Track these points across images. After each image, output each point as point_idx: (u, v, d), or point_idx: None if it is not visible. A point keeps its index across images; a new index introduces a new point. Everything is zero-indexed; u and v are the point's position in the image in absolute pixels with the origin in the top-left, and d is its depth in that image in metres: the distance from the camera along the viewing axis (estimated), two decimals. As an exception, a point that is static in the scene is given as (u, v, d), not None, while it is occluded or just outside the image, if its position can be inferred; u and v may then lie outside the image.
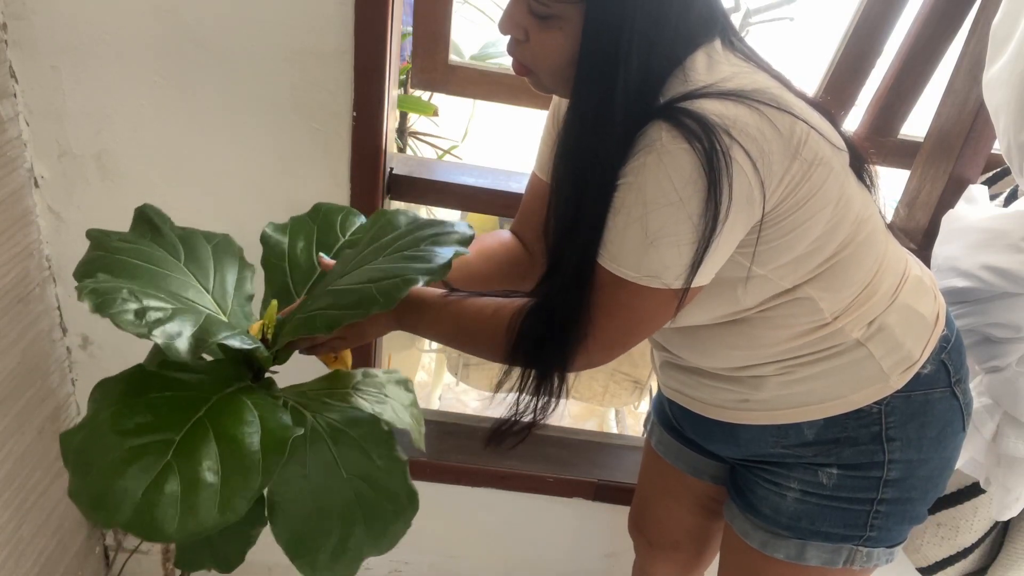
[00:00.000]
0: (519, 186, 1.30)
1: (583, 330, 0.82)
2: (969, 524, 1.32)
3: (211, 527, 0.67)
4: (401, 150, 1.97)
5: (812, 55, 1.62)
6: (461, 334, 0.91)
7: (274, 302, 0.90)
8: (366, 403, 0.90)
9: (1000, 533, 1.37)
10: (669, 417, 1.19)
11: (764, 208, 0.77)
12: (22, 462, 1.31)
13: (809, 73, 1.52)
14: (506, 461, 1.57)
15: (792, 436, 0.97)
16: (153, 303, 0.74)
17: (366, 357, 1.44)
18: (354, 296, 0.79)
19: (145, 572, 1.69)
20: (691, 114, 0.73)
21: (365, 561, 0.81)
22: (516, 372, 0.89)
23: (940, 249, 1.26)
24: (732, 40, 0.83)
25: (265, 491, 0.76)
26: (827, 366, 0.92)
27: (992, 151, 1.34)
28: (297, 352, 0.95)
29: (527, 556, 1.73)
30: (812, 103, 0.83)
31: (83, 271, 0.80)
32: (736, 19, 2.16)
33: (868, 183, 0.91)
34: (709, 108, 0.74)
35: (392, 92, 1.25)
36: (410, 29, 1.39)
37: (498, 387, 0.91)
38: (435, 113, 1.79)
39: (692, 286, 0.78)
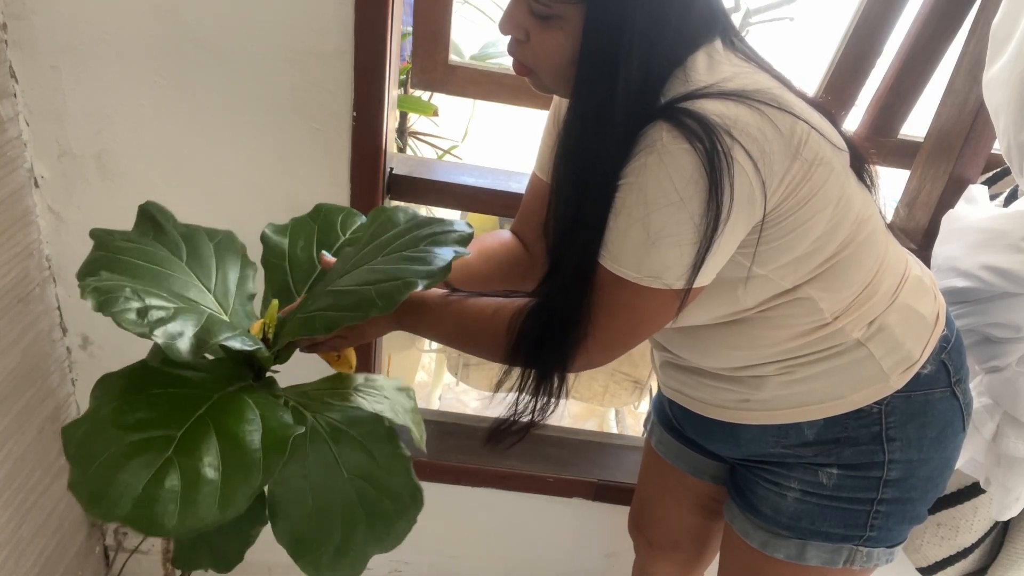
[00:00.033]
0: (519, 186, 1.30)
1: (583, 330, 0.82)
2: (969, 524, 1.32)
3: (211, 523, 0.67)
4: (401, 150, 1.97)
5: (812, 55, 1.62)
6: (461, 334, 0.91)
7: (275, 302, 0.90)
8: (367, 403, 0.90)
9: (1000, 533, 1.38)
10: (669, 417, 1.19)
11: (765, 208, 0.77)
12: (22, 462, 1.31)
13: (809, 73, 1.52)
14: (506, 461, 1.57)
15: (792, 436, 0.97)
16: (155, 302, 0.74)
17: (366, 357, 1.44)
18: (353, 298, 0.79)
19: (145, 572, 1.69)
20: (692, 114, 0.73)
21: (364, 561, 0.81)
22: (516, 372, 0.89)
23: (940, 249, 1.26)
24: (733, 40, 0.83)
25: (265, 490, 0.76)
26: (827, 366, 0.92)
27: (992, 151, 1.34)
28: (298, 350, 0.95)
29: (527, 556, 1.73)
30: (812, 103, 0.83)
31: (86, 271, 0.80)
32: (736, 19, 2.16)
33: (868, 183, 0.91)
34: (710, 108, 0.74)
35: (392, 92, 1.25)
36: (410, 29, 1.39)
37: (498, 387, 0.91)
38: (435, 113, 1.79)
39: (693, 286, 0.78)
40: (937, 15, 1.36)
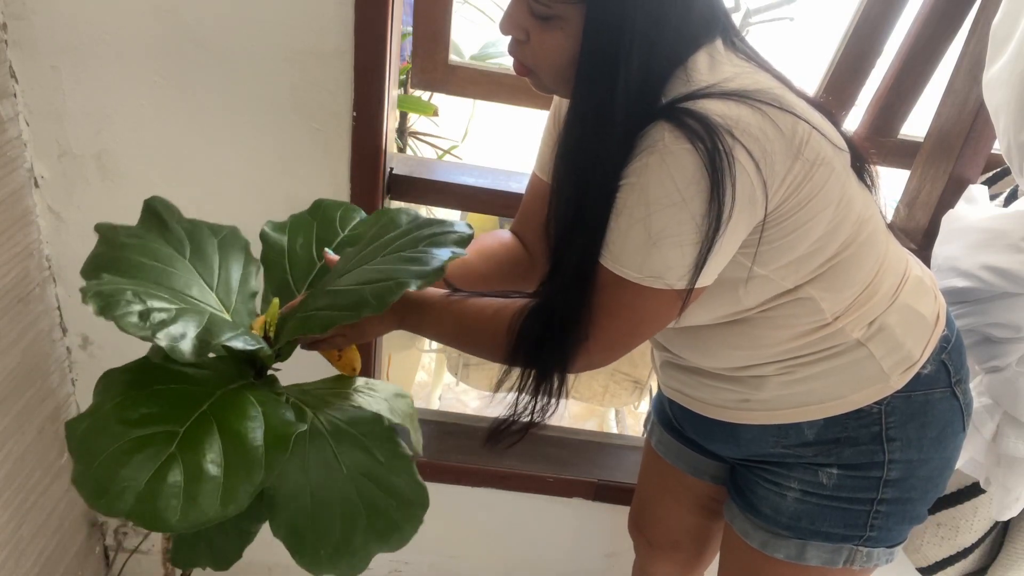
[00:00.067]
0: (519, 186, 1.30)
1: (584, 331, 0.82)
2: (969, 524, 1.32)
3: (213, 519, 0.67)
4: (401, 150, 1.97)
5: (812, 55, 1.62)
6: (462, 334, 0.91)
7: (275, 300, 0.91)
8: (366, 404, 0.90)
9: (1000, 533, 1.38)
10: (669, 417, 1.19)
11: (766, 208, 0.77)
12: (22, 462, 1.31)
13: (809, 73, 1.52)
14: (506, 461, 1.57)
15: (792, 436, 0.97)
16: (157, 304, 0.74)
17: (366, 357, 1.44)
18: (349, 298, 0.80)
19: (145, 572, 1.69)
20: (694, 114, 0.73)
21: (363, 560, 0.81)
22: (516, 372, 0.89)
23: (940, 249, 1.27)
24: (734, 40, 0.83)
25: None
26: (828, 366, 0.92)
27: (992, 151, 1.34)
28: (300, 347, 0.95)
29: (527, 556, 1.73)
30: (813, 103, 0.83)
31: (91, 266, 0.81)
32: (736, 19, 2.15)
33: (869, 183, 0.91)
34: (712, 108, 0.74)
35: (392, 92, 1.25)
36: (410, 29, 1.39)
37: (498, 387, 0.91)
38: (435, 113, 1.79)
39: (695, 287, 0.78)
40: (937, 15, 1.36)
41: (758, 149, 0.74)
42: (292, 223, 1.02)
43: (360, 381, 0.97)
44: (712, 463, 1.16)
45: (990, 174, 1.37)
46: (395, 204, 1.44)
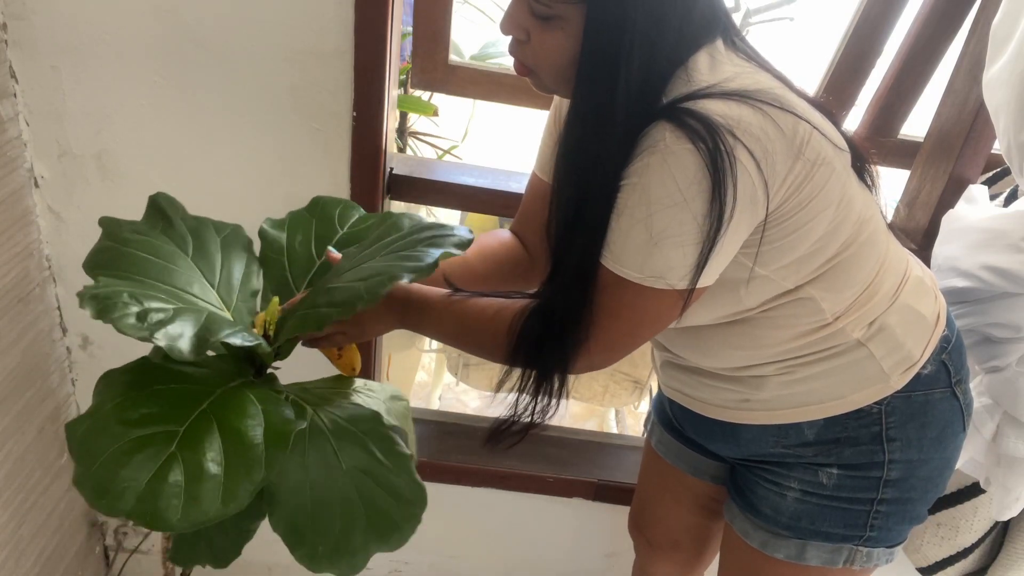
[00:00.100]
0: (519, 186, 1.30)
1: (585, 331, 0.82)
2: (969, 524, 1.32)
3: (213, 517, 0.67)
4: (401, 150, 1.97)
5: (812, 55, 1.62)
6: (463, 334, 0.91)
7: (275, 299, 0.91)
8: (364, 403, 0.90)
9: (1000, 533, 1.38)
10: (669, 417, 1.19)
11: (767, 208, 0.77)
12: (22, 462, 1.31)
13: (809, 73, 1.52)
14: (506, 461, 1.57)
15: (792, 436, 0.97)
16: (154, 304, 0.74)
17: (366, 357, 1.44)
18: (343, 294, 0.80)
19: (145, 572, 1.69)
20: (695, 114, 0.73)
21: (363, 560, 0.81)
22: (516, 372, 0.89)
23: (940, 249, 1.27)
24: (734, 40, 0.83)
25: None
26: (828, 366, 0.92)
27: (992, 151, 1.34)
28: (301, 344, 0.95)
29: (527, 556, 1.73)
30: (814, 103, 0.83)
31: (93, 261, 0.81)
32: (736, 19, 2.15)
33: (869, 183, 0.91)
34: (713, 108, 0.74)
35: (392, 92, 1.25)
36: (410, 29, 1.39)
37: (498, 387, 0.91)
38: (435, 113, 1.79)
39: (696, 287, 0.78)
40: (937, 15, 1.36)
41: (759, 149, 0.74)
42: (291, 220, 1.02)
43: (358, 382, 0.97)
44: (712, 463, 1.16)
45: (990, 174, 1.37)
46: (395, 204, 1.44)
